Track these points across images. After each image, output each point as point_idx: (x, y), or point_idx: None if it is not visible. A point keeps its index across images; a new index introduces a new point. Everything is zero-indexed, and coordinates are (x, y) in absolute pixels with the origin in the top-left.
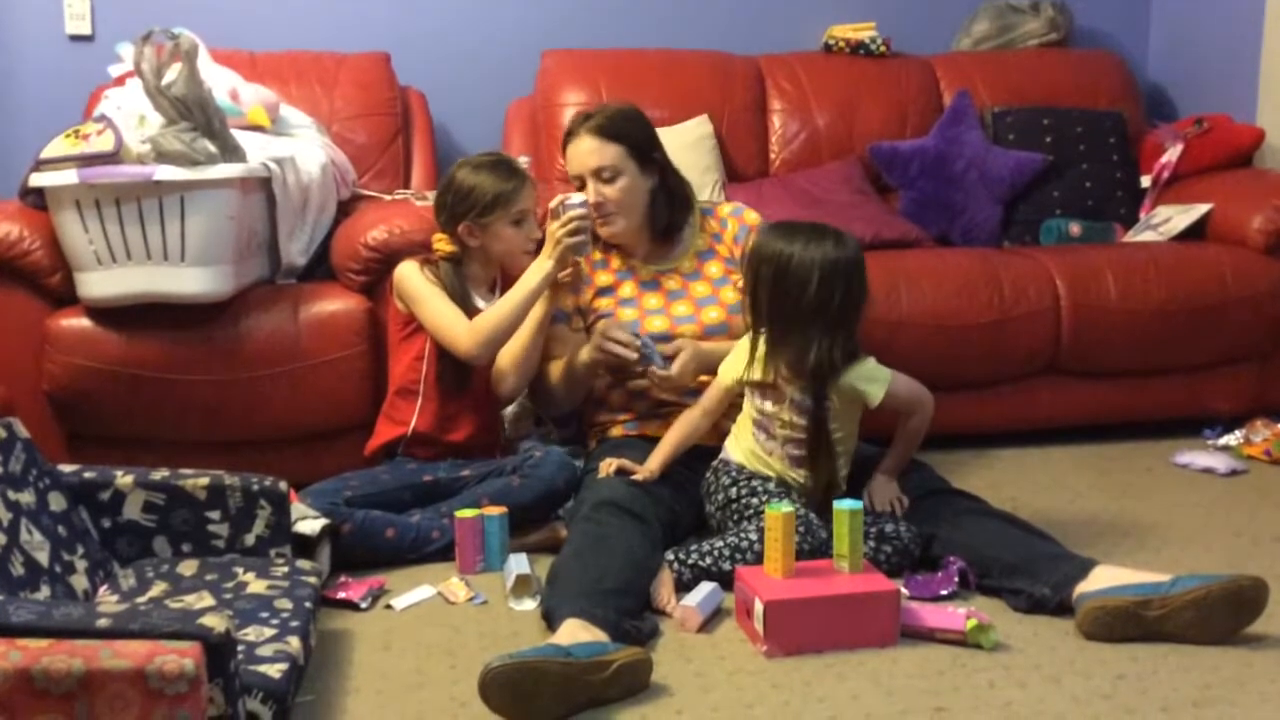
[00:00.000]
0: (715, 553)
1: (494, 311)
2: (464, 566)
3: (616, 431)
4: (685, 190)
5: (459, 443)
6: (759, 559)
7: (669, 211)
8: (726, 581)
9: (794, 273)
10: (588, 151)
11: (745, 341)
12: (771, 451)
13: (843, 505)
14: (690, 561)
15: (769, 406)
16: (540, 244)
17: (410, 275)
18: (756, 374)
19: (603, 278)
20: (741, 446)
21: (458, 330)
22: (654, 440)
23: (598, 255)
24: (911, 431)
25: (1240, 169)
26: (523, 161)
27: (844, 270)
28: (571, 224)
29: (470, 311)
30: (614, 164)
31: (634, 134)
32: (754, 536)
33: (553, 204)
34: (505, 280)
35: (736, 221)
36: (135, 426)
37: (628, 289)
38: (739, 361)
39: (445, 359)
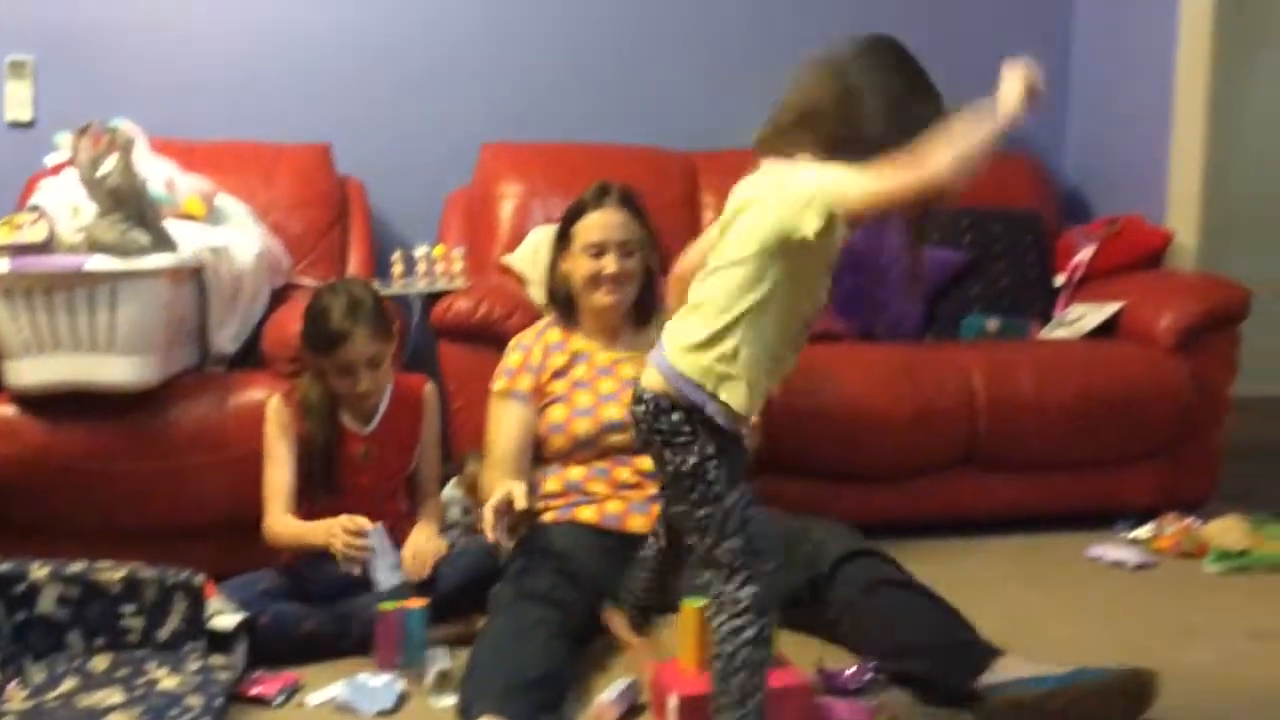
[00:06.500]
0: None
1: (291, 531)
2: (383, 662)
3: (548, 516)
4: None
5: None
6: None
7: (652, 291)
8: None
9: None
10: (619, 224)
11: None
12: None
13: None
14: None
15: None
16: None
17: (268, 421)
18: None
19: (557, 359)
20: None
21: (267, 507)
22: (586, 527)
23: (557, 336)
24: None
25: (1151, 269)
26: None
27: None
28: (354, 550)
29: (335, 434)
30: (637, 238)
31: (644, 212)
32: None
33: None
34: (394, 396)
35: None
36: (59, 515)
37: (581, 370)
38: None
39: (314, 475)
